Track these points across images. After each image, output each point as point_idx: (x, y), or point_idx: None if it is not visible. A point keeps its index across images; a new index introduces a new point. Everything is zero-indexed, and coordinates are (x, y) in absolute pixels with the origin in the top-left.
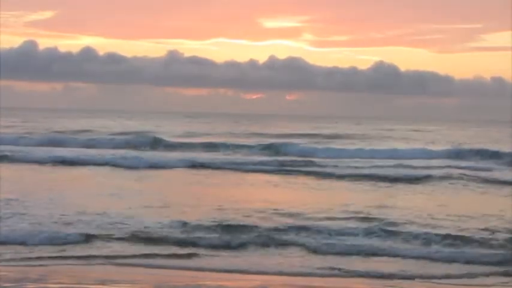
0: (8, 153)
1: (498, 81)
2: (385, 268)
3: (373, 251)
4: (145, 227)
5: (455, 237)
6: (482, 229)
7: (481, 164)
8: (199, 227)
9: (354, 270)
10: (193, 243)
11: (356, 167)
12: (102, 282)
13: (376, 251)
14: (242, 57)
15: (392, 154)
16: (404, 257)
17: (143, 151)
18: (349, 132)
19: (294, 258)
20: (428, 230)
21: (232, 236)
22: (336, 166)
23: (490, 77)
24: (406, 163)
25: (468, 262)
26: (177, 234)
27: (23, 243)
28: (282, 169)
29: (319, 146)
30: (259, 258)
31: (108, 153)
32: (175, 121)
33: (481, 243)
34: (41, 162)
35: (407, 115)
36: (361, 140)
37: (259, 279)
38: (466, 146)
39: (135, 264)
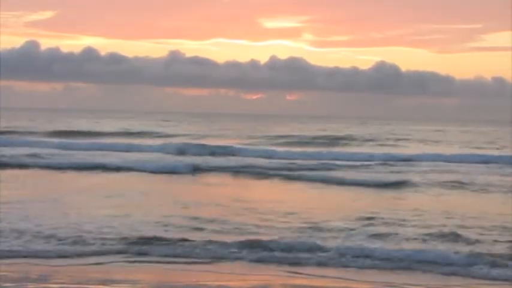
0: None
1: (499, 82)
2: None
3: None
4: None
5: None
6: None
7: None
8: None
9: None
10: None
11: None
12: (103, 282)
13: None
14: (242, 57)
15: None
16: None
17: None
18: (369, 133)
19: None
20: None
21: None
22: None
23: (490, 77)
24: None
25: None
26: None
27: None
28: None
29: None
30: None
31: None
32: (185, 121)
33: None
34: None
35: (409, 115)
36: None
37: (259, 279)
38: None
39: (136, 265)
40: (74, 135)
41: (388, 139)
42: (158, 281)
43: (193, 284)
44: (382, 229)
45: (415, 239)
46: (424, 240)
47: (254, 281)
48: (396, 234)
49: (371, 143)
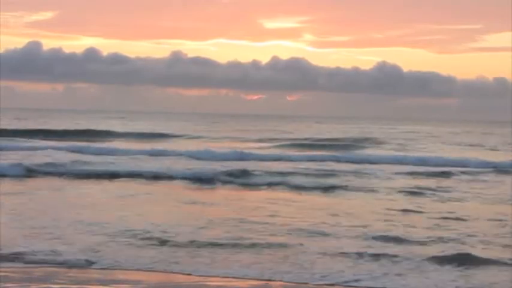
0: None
1: (501, 82)
2: None
3: None
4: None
5: None
6: None
7: None
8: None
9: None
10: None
11: None
12: (104, 283)
13: None
14: (243, 57)
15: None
16: None
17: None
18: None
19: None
20: None
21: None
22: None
23: (492, 77)
24: None
25: None
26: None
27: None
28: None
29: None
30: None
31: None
32: (197, 123)
33: None
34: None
35: (412, 116)
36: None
37: (259, 279)
38: None
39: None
40: (96, 136)
41: (410, 140)
42: (160, 281)
43: (194, 284)
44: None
45: None
46: None
47: (254, 281)
48: None
49: (393, 145)
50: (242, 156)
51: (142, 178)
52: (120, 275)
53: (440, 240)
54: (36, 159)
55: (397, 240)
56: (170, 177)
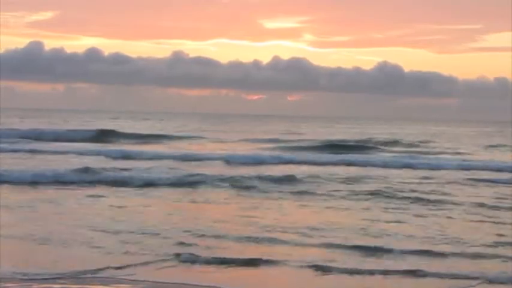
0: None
1: (502, 82)
2: None
3: None
4: None
5: None
6: None
7: None
8: None
9: None
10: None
11: None
12: (106, 283)
13: None
14: (244, 57)
15: None
16: None
17: None
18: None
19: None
20: None
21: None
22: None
23: (493, 77)
24: None
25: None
26: None
27: None
28: None
29: None
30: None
31: None
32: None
33: None
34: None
35: (414, 116)
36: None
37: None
38: None
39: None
40: (118, 138)
41: (430, 142)
42: (158, 281)
43: (194, 284)
44: None
45: None
46: None
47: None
48: None
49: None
50: (280, 160)
51: (182, 187)
52: (121, 276)
53: None
54: (68, 164)
55: None
56: (205, 183)
